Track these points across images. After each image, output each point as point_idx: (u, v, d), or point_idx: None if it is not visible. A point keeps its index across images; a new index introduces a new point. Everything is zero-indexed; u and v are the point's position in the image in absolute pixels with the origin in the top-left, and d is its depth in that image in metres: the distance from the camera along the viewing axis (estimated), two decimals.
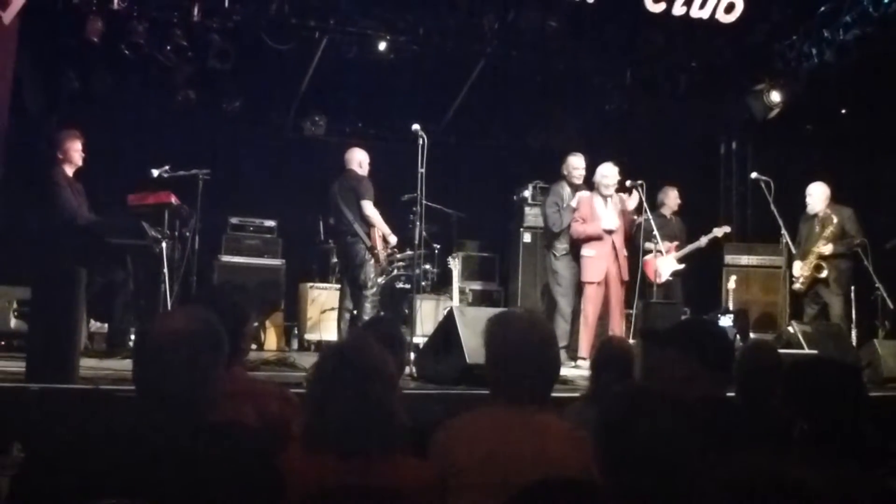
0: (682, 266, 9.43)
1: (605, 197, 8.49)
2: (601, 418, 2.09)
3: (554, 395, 3.06)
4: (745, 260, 10.02)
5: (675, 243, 9.53)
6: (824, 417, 2.65)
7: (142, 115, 10.09)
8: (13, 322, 6.56)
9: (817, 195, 8.90)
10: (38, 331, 5.04)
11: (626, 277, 8.46)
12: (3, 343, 6.64)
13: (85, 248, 6.94)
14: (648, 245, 9.02)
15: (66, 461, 2.31)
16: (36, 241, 7.24)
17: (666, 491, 1.90)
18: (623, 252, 8.49)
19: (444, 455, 2.79)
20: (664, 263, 9.22)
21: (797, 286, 8.88)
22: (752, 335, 8.80)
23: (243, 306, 3.49)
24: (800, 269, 8.83)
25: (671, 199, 9.83)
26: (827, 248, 8.69)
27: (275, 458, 2.51)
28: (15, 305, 6.53)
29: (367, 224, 8.14)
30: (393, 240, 8.42)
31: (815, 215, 8.89)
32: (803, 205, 9.09)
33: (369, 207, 8.12)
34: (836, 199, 8.92)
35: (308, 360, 5.77)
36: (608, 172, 8.52)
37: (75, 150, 7.48)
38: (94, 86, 9.70)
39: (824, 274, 8.70)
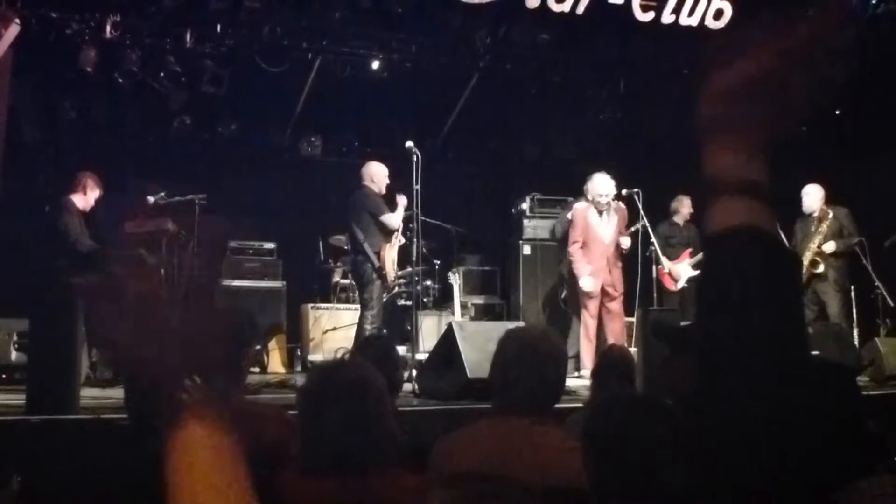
0: (697, 272, 9.45)
1: (600, 211, 8.53)
2: (587, 426, 2.09)
3: (557, 405, 3.06)
4: None
5: (689, 250, 9.54)
6: (819, 419, 2.64)
7: (138, 143, 10.12)
8: (13, 355, 6.56)
9: (813, 195, 8.94)
10: (37, 362, 5.05)
11: (620, 289, 8.54)
12: (4, 376, 6.64)
13: (84, 277, 6.96)
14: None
15: (63, 490, 2.32)
16: (33, 271, 7.26)
17: (652, 499, 1.90)
18: (618, 264, 8.55)
19: (443, 468, 2.79)
20: (680, 271, 9.26)
21: None
22: None
23: (242, 330, 3.50)
24: None
25: (685, 207, 9.84)
26: (829, 246, 8.71)
27: (273, 480, 2.50)
28: (15, 338, 6.54)
29: (378, 244, 7.98)
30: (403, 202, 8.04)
31: (811, 215, 8.92)
32: (799, 206, 9.11)
33: (391, 220, 7.96)
34: (830, 200, 8.94)
35: None
36: (601, 184, 8.53)
37: (93, 194, 7.53)
38: (90, 115, 9.75)
39: (821, 269, 8.71)
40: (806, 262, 8.79)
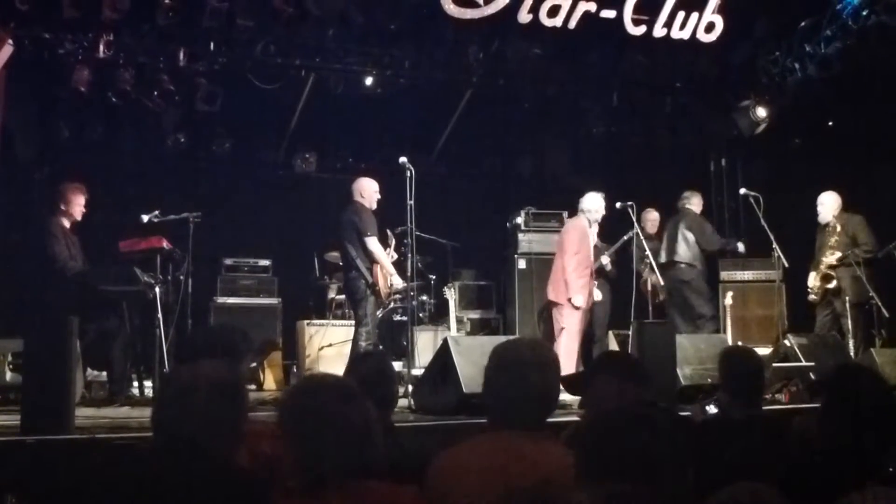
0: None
1: (591, 224, 8.63)
2: (577, 437, 2.09)
3: (555, 419, 3.06)
4: (740, 275, 10.02)
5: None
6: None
7: (133, 161, 10.16)
8: (9, 375, 6.53)
9: (827, 204, 8.92)
10: (32, 382, 5.02)
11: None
12: None
13: (76, 298, 6.95)
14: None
15: None
16: (27, 291, 7.25)
17: None
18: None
19: (440, 484, 2.77)
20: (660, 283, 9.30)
21: (811, 297, 8.90)
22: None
23: (238, 347, 3.50)
24: (812, 280, 8.86)
25: (650, 220, 9.88)
26: (833, 258, 8.71)
27: (268, 497, 2.50)
28: (10, 358, 6.51)
29: (370, 260, 7.94)
30: (398, 281, 8.10)
31: (827, 225, 8.91)
32: (800, 217, 9.13)
33: (373, 243, 7.91)
34: (847, 208, 8.93)
35: None
36: (601, 202, 8.60)
37: (77, 205, 7.53)
38: (84, 134, 9.77)
39: (833, 284, 8.71)
40: (818, 276, 8.80)
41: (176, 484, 2.36)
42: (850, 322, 8.61)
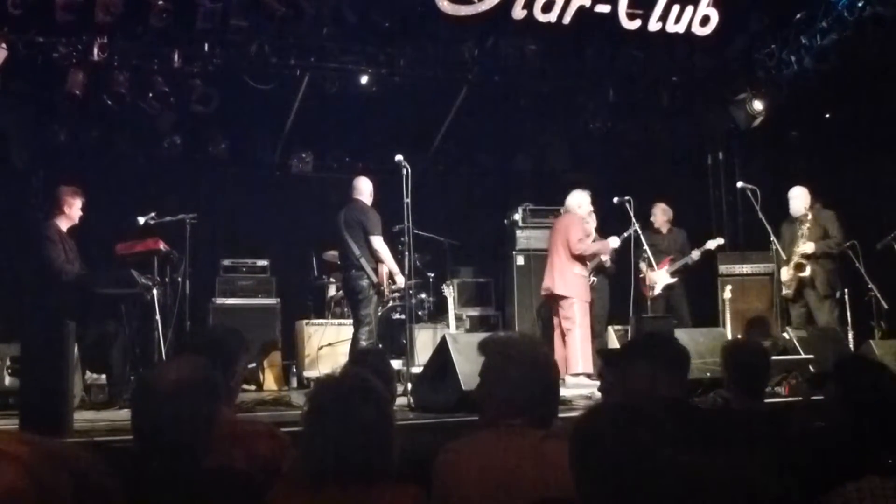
0: (674, 280, 9.47)
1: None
2: (573, 434, 2.09)
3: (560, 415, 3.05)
4: (738, 269, 10.00)
5: (670, 258, 9.58)
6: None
7: (128, 164, 10.14)
8: (7, 380, 6.50)
9: (800, 197, 8.94)
10: (30, 386, 5.00)
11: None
12: None
13: (73, 301, 6.93)
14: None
15: None
16: (24, 295, 7.24)
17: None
18: None
19: (448, 478, 2.76)
20: (657, 278, 9.27)
21: (785, 292, 8.88)
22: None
23: (232, 347, 3.48)
24: (785, 274, 8.86)
25: (659, 213, 9.88)
26: (808, 247, 8.72)
27: (266, 498, 2.49)
28: (8, 363, 6.49)
29: (376, 259, 7.91)
30: (400, 280, 8.00)
31: (798, 218, 8.92)
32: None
33: (378, 242, 7.90)
34: (819, 202, 8.95)
35: None
36: (586, 200, 8.68)
37: (74, 208, 7.51)
38: (80, 137, 9.75)
39: (807, 272, 8.70)
40: (791, 265, 8.80)
41: (167, 486, 2.35)
42: (823, 315, 8.60)
